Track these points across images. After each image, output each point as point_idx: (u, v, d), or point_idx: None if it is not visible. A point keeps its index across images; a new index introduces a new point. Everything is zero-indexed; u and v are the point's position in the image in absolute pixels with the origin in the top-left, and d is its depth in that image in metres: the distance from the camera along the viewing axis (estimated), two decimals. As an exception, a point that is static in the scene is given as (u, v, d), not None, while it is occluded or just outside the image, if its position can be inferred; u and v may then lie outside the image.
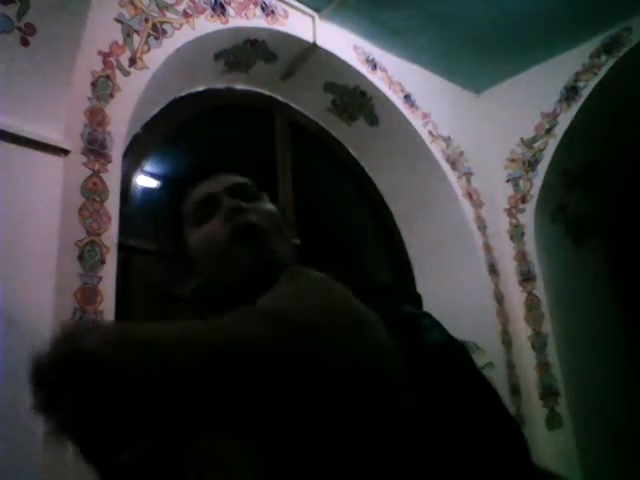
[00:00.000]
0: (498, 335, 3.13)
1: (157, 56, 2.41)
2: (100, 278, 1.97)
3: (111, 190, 2.09)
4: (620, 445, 3.11)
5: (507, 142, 3.51)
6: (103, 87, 2.21)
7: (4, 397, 1.54)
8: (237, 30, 2.72)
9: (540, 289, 3.25)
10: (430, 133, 3.31)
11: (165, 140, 2.65)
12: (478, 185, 3.42)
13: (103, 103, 2.19)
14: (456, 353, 0.77)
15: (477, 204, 3.37)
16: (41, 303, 1.75)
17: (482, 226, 3.33)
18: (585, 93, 3.28)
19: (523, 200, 3.41)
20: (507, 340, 3.15)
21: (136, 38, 2.37)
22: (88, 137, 2.10)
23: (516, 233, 3.40)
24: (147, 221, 2.48)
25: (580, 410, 3.06)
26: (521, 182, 3.44)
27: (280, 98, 3.14)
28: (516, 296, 3.29)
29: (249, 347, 0.55)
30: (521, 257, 3.35)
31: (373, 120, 3.29)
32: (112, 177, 2.11)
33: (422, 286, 3.25)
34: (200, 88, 2.81)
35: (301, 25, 2.93)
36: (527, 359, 3.18)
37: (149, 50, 2.39)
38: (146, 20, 2.42)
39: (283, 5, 2.88)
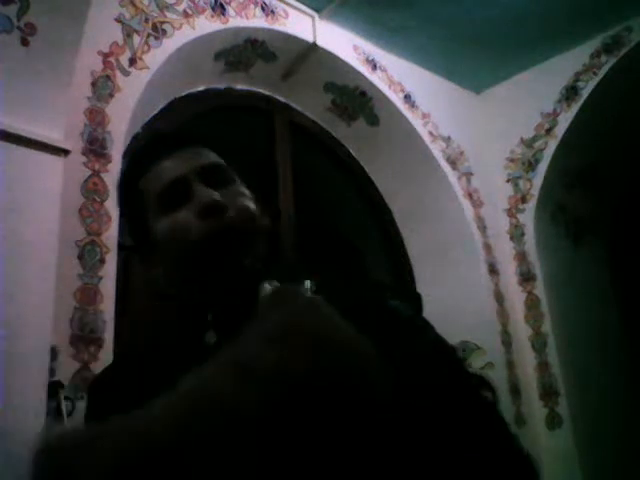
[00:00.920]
0: (498, 335, 3.13)
1: (157, 56, 2.41)
2: (100, 278, 1.98)
3: (111, 190, 2.09)
4: (620, 445, 3.11)
5: (507, 142, 3.51)
6: (103, 87, 2.21)
7: (4, 398, 1.54)
8: (237, 30, 2.72)
9: (540, 289, 3.25)
10: (430, 133, 3.31)
11: (165, 140, 2.64)
12: (478, 185, 3.42)
13: (103, 103, 2.19)
14: (445, 356, 0.73)
15: (477, 204, 3.37)
16: (41, 303, 1.75)
17: (482, 226, 3.33)
18: (585, 93, 3.28)
19: (523, 200, 3.41)
20: (507, 340, 3.15)
21: (136, 38, 2.37)
22: (88, 137, 2.10)
23: (516, 233, 3.40)
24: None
25: (580, 410, 3.06)
26: (521, 182, 3.44)
27: (280, 98, 3.14)
28: (516, 296, 3.29)
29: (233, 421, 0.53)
30: (521, 257, 3.35)
31: (373, 120, 3.29)
32: (112, 177, 2.11)
33: (422, 286, 3.25)
34: (200, 88, 2.81)
35: (301, 25, 2.93)
36: (527, 359, 3.18)
37: (149, 50, 2.39)
38: (146, 20, 2.42)
39: (283, 5, 2.88)
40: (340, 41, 3.08)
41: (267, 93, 3.10)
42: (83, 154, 2.07)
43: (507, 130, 3.51)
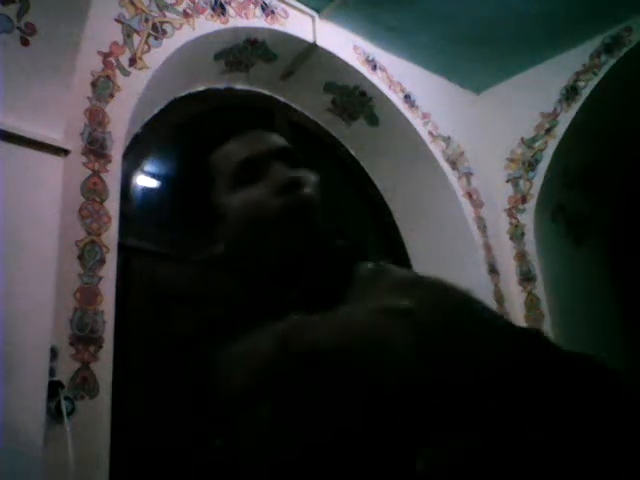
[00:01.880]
0: (498, 335, 3.12)
1: (157, 56, 2.41)
2: (100, 278, 1.97)
3: (111, 190, 2.09)
4: (620, 445, 3.11)
5: (507, 142, 3.51)
6: (103, 87, 2.21)
7: (4, 398, 1.54)
8: (237, 30, 2.72)
9: (540, 289, 3.25)
10: (430, 133, 3.31)
11: (165, 140, 2.65)
12: (478, 185, 3.42)
13: (103, 103, 2.19)
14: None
15: (477, 204, 3.37)
16: (41, 303, 1.75)
17: (482, 226, 3.33)
18: (585, 93, 3.28)
19: (523, 200, 3.41)
20: (507, 340, 3.15)
21: (136, 38, 2.37)
22: (88, 137, 2.10)
23: (516, 233, 3.40)
24: (147, 221, 2.48)
25: (580, 410, 3.06)
26: (521, 182, 3.44)
27: (280, 98, 3.14)
28: (516, 296, 3.29)
29: None
30: (521, 257, 3.35)
31: (373, 120, 3.29)
32: (112, 177, 2.11)
33: (422, 286, 3.25)
34: (200, 88, 2.81)
35: (301, 25, 2.93)
36: (527, 359, 3.18)
37: (149, 50, 2.39)
38: (146, 20, 2.42)
39: (283, 5, 2.88)
40: (340, 41, 3.08)
41: (267, 93, 3.10)
42: (83, 154, 2.07)
43: (507, 130, 3.51)
